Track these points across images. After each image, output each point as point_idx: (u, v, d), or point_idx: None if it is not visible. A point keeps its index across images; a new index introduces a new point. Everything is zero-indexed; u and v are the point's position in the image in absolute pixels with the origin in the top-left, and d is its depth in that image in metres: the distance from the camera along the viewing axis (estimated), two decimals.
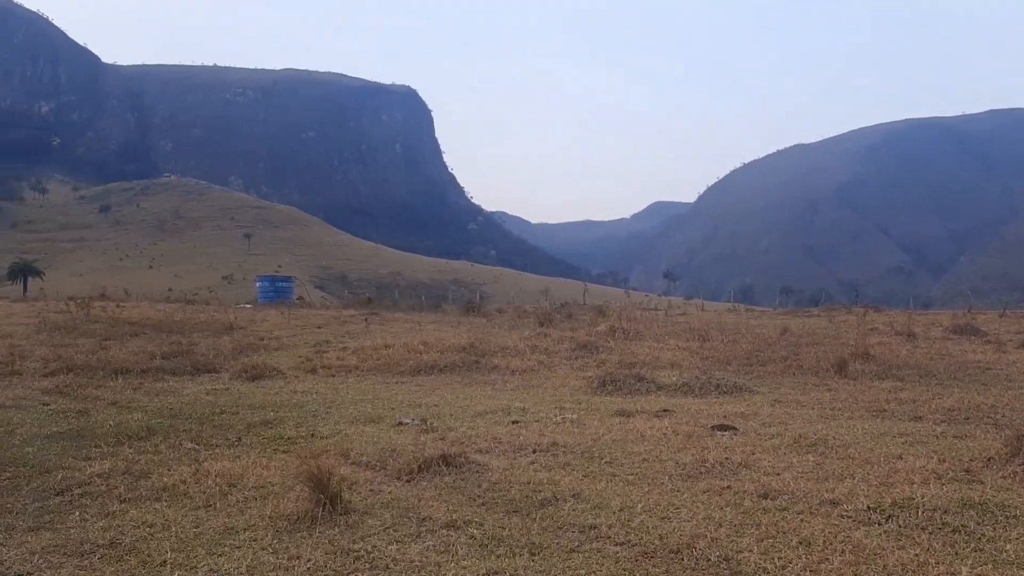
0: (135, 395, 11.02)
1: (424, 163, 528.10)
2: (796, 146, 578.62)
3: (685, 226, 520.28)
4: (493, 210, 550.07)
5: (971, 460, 6.38)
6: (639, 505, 5.31)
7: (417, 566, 4.34)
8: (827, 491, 5.51)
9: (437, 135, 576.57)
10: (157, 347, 16.03)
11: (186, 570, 4.39)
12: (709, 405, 9.72)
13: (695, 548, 4.49)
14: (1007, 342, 16.19)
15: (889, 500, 5.24)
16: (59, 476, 6.40)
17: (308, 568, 4.34)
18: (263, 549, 4.63)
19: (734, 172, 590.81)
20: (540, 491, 5.69)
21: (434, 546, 4.63)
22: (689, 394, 10.79)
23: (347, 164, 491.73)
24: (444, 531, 4.89)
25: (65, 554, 4.65)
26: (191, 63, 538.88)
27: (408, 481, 6.08)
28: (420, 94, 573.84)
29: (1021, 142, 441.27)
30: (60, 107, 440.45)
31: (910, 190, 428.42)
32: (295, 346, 17.91)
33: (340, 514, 5.14)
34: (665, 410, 9.18)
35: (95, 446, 7.54)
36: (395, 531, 4.91)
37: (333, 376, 13.50)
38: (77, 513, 5.45)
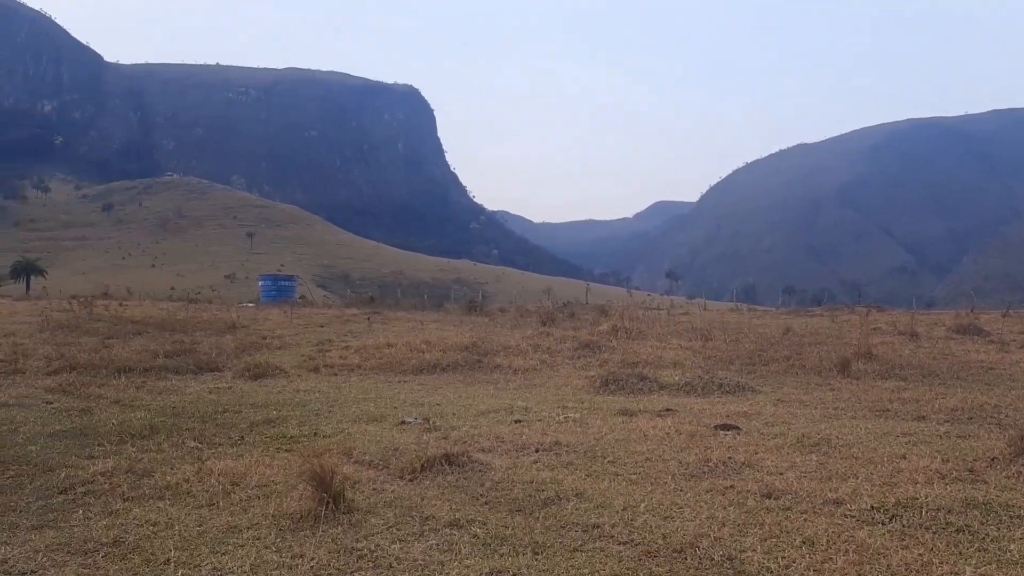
0: (138, 394, 11.03)
1: (426, 162, 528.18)
2: (798, 146, 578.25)
3: (687, 226, 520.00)
4: (495, 209, 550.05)
5: (975, 460, 6.36)
6: (642, 504, 5.31)
7: (420, 565, 4.34)
8: (830, 491, 5.50)
9: (439, 134, 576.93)
10: (160, 346, 16.04)
11: (189, 568, 4.39)
12: (712, 404, 9.71)
13: (698, 547, 4.48)
14: (1010, 342, 16.17)
15: (893, 500, 5.23)
16: (62, 474, 6.41)
17: (311, 567, 4.34)
18: (266, 548, 4.63)
19: (736, 172, 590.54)
20: (543, 490, 5.69)
21: (437, 545, 4.63)
22: (692, 393, 10.78)
23: (349, 163, 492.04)
24: (447, 530, 4.88)
25: (69, 552, 4.65)
26: (193, 62, 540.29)
27: (411, 480, 6.07)
28: (422, 93, 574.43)
29: (1023, 142, 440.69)
30: (63, 106, 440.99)
31: (912, 190, 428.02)
32: (298, 345, 17.92)
33: (343, 513, 5.14)
34: (668, 409, 9.17)
35: (98, 444, 7.54)
36: (398, 530, 4.91)
37: (336, 375, 13.51)
38: (80, 511, 5.45)
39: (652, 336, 17.73)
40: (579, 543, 4.63)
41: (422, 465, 6.26)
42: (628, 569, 4.26)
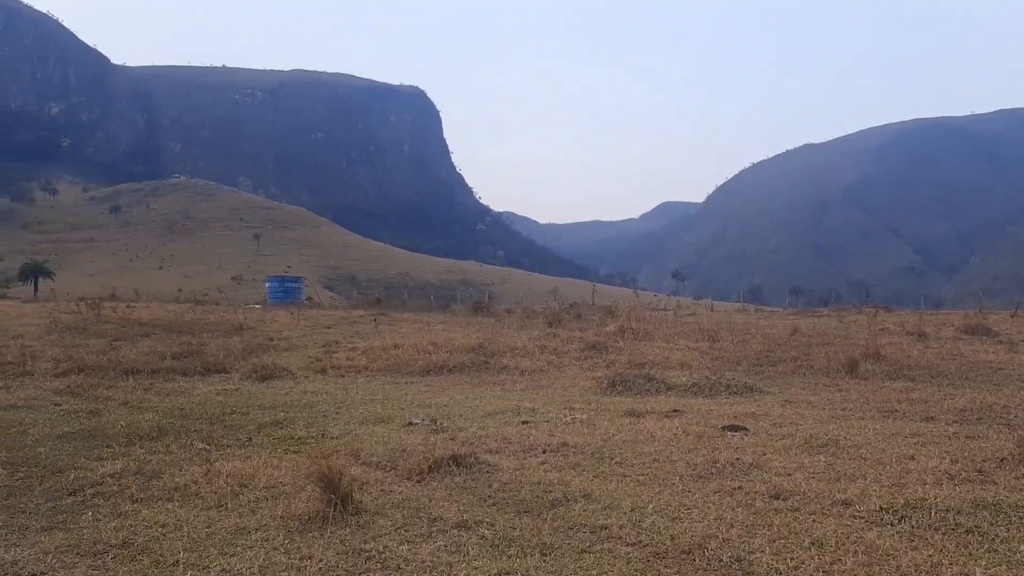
0: (146, 395, 11.05)
1: (432, 164, 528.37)
2: (805, 146, 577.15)
3: (694, 226, 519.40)
4: (501, 210, 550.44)
5: (984, 460, 6.34)
6: (650, 506, 5.30)
7: (428, 566, 4.34)
8: (839, 492, 5.49)
9: (445, 135, 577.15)
10: (167, 347, 16.08)
11: (198, 570, 4.40)
12: (719, 405, 9.69)
13: (707, 549, 4.47)
14: (1019, 342, 16.10)
15: (901, 501, 5.21)
16: (71, 476, 6.42)
17: (320, 568, 4.35)
18: (275, 549, 4.64)
19: (743, 172, 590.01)
20: (551, 491, 5.69)
21: (445, 546, 4.63)
22: (699, 394, 10.76)
23: (355, 165, 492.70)
24: (455, 531, 4.88)
25: (78, 554, 4.67)
26: (199, 64, 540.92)
27: (418, 481, 6.08)
28: (428, 95, 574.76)
29: None
30: (70, 108, 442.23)
31: (919, 190, 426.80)
32: (305, 346, 17.95)
33: (351, 514, 5.14)
34: (675, 410, 9.16)
35: (107, 446, 7.56)
36: (406, 531, 4.91)
37: (343, 376, 13.52)
38: (90, 513, 5.47)
39: (659, 337, 17.71)
40: (587, 544, 4.63)
41: (430, 466, 6.27)
42: (636, 570, 4.26)
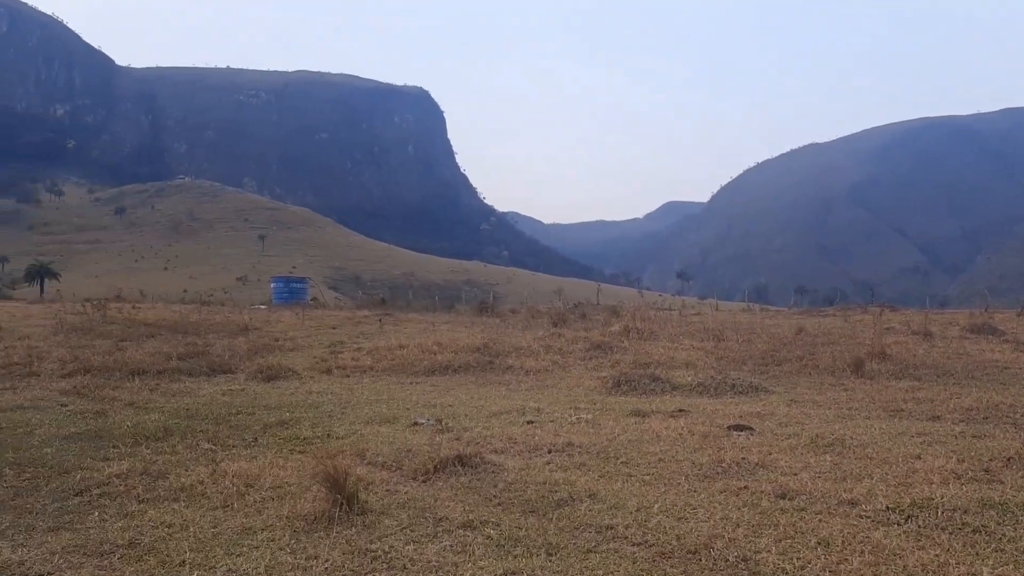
0: (152, 396, 11.07)
1: (436, 164, 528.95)
2: (809, 145, 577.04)
3: (698, 226, 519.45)
4: (506, 211, 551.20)
5: (990, 460, 6.32)
6: (656, 505, 5.29)
7: (434, 566, 4.34)
8: (845, 491, 5.48)
9: (449, 136, 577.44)
10: (173, 348, 16.10)
11: (205, 570, 4.40)
12: (725, 405, 9.68)
13: (713, 548, 4.47)
14: None
15: (908, 500, 5.20)
16: (78, 477, 6.43)
17: (326, 568, 4.35)
18: (281, 549, 4.64)
19: (747, 172, 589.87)
20: (556, 491, 5.68)
21: (451, 546, 4.63)
22: (704, 394, 10.75)
23: (360, 165, 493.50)
24: (461, 531, 4.88)
25: (85, 554, 4.67)
26: (204, 65, 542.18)
27: (424, 481, 6.08)
28: (432, 95, 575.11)
29: None
30: (75, 110, 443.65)
31: (924, 189, 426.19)
32: (310, 347, 17.96)
33: (357, 514, 5.14)
34: (680, 410, 9.15)
35: (113, 447, 7.57)
36: (412, 531, 4.91)
37: (348, 376, 13.53)
38: (96, 513, 5.47)
39: (664, 337, 17.69)
40: (593, 544, 4.62)
41: (435, 466, 6.27)
42: (642, 570, 4.25)
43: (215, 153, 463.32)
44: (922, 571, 4.10)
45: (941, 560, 4.21)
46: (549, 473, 6.24)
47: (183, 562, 4.49)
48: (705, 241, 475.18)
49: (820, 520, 4.92)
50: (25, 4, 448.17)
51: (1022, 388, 10.57)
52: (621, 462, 6.60)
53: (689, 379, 11.73)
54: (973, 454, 6.56)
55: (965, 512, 4.96)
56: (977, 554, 4.32)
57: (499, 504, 5.45)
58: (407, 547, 4.62)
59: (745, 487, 5.68)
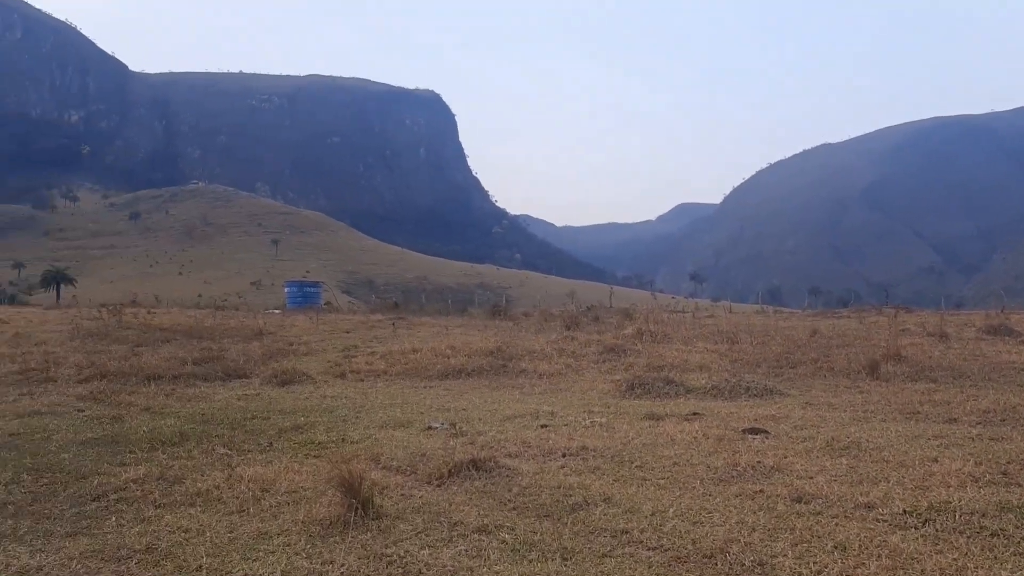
0: (168, 401, 11.12)
1: (448, 167, 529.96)
2: (822, 146, 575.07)
3: (711, 227, 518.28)
4: (518, 213, 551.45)
5: (1008, 462, 6.28)
6: (671, 509, 5.28)
7: (449, 571, 4.34)
8: (861, 495, 5.45)
9: (460, 139, 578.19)
10: (188, 353, 16.17)
11: (221, 575, 4.42)
12: (739, 408, 9.64)
13: (728, 553, 4.45)
14: None
15: (925, 504, 5.17)
16: (95, 482, 6.47)
17: (341, 573, 4.35)
18: (297, 554, 4.66)
19: (760, 173, 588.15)
20: (571, 495, 5.67)
21: (466, 551, 4.63)
22: (719, 397, 10.71)
23: (372, 169, 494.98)
24: (476, 536, 4.88)
25: (102, 559, 4.70)
26: (217, 70, 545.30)
27: (438, 485, 6.08)
28: (443, 98, 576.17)
29: None
30: (89, 116, 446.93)
31: (938, 189, 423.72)
32: (324, 351, 18.01)
33: (372, 519, 5.15)
34: (695, 413, 9.12)
35: (129, 452, 7.61)
36: (427, 536, 4.91)
37: (362, 381, 13.55)
38: (113, 518, 5.50)
39: (677, 339, 17.64)
40: (608, 549, 4.62)
41: (449, 470, 6.27)
42: (658, 574, 4.24)
43: (228, 158, 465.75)
44: (940, 575, 4.08)
45: (959, 564, 4.18)
46: (563, 477, 6.23)
47: (200, 567, 4.51)
48: (718, 243, 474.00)
49: (836, 524, 4.89)
50: (39, 10, 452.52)
51: None
52: (636, 466, 6.58)
53: (703, 382, 11.69)
54: (991, 457, 6.51)
55: (983, 515, 4.92)
56: (995, 558, 4.29)
57: (514, 508, 5.45)
58: (422, 552, 4.62)
59: (761, 491, 5.66)
